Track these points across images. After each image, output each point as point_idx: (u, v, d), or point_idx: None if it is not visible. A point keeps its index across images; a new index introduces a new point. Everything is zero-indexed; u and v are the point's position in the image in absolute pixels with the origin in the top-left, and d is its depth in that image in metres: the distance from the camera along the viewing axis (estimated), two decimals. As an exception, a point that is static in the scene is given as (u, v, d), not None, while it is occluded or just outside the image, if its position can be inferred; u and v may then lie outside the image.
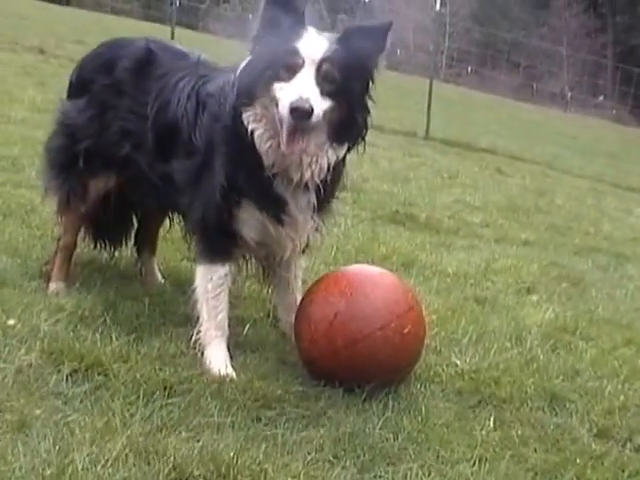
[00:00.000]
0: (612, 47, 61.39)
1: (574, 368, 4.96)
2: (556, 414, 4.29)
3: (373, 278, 4.29)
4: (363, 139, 4.03)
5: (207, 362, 4.17)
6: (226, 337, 4.28)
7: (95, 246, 5.52)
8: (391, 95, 29.63)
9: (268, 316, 5.03)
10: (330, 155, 3.92)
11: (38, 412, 3.56)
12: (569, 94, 55.73)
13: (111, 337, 4.35)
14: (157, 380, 3.97)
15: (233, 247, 4.22)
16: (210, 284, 4.20)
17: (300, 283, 4.72)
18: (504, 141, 20.98)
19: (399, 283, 4.36)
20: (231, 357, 4.30)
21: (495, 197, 11.42)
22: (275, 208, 4.05)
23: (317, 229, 4.37)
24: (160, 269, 5.59)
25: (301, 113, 3.65)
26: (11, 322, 4.38)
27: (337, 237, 7.28)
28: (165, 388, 3.93)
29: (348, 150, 4.05)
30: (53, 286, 5.13)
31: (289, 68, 3.77)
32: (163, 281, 5.51)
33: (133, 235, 5.57)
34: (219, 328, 4.24)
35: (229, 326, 4.50)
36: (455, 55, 61.09)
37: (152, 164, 4.67)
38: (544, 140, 25.84)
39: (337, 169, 4.07)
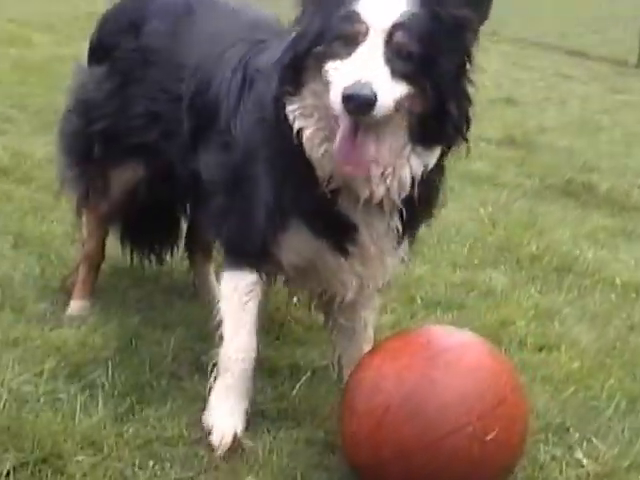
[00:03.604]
0: None
1: None
2: None
3: (449, 353, 3.09)
4: (464, 139, 3.10)
5: (211, 405, 3.42)
6: (250, 365, 3.43)
7: (137, 255, 4.60)
8: (602, 10, 27.22)
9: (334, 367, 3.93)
10: (414, 164, 3.03)
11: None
12: None
13: (88, 412, 3.41)
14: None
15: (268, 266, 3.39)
16: (236, 292, 3.38)
17: (371, 332, 3.68)
18: None
19: (490, 360, 3.15)
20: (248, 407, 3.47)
21: None
22: (338, 234, 3.17)
23: (402, 260, 3.41)
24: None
25: (358, 103, 2.77)
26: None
27: (481, 222, 6.06)
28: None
29: (442, 156, 3.12)
30: (73, 305, 4.28)
31: (347, 40, 2.89)
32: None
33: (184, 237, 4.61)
34: (241, 350, 3.39)
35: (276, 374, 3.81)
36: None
37: (185, 159, 3.73)
38: None
39: (429, 182, 3.14)
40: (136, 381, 3.69)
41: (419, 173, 3.02)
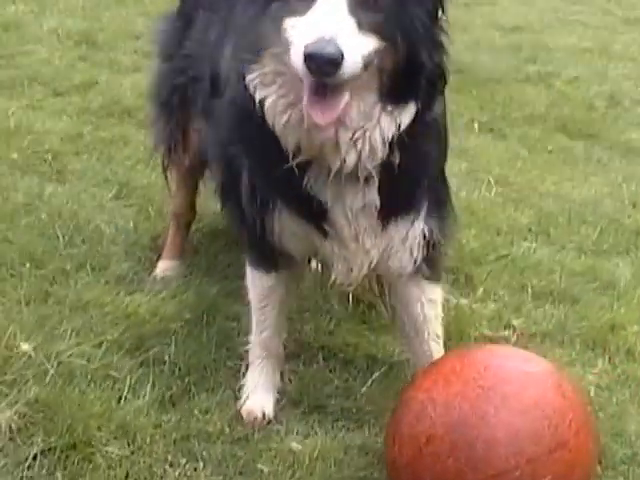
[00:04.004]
0: None
1: None
2: None
3: (509, 385, 2.70)
4: (439, 91, 2.77)
5: (244, 388, 3.32)
6: (274, 362, 3.35)
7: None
8: None
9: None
10: (385, 124, 2.66)
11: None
12: None
13: (136, 393, 3.22)
14: None
15: (277, 256, 3.12)
16: (256, 291, 3.26)
17: (437, 327, 3.29)
18: None
19: (556, 396, 2.72)
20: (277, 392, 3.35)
21: None
22: (312, 213, 2.86)
23: (427, 237, 2.99)
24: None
25: (322, 62, 2.40)
26: (25, 347, 3.34)
27: (621, 201, 5.44)
28: None
29: (419, 112, 2.70)
30: (160, 266, 4.11)
31: None
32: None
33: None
34: (264, 348, 3.31)
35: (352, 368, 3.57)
36: None
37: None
38: None
39: (413, 146, 2.74)
40: (199, 360, 3.49)
41: (391, 134, 2.65)
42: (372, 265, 2.97)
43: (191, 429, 3.10)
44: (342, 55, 2.38)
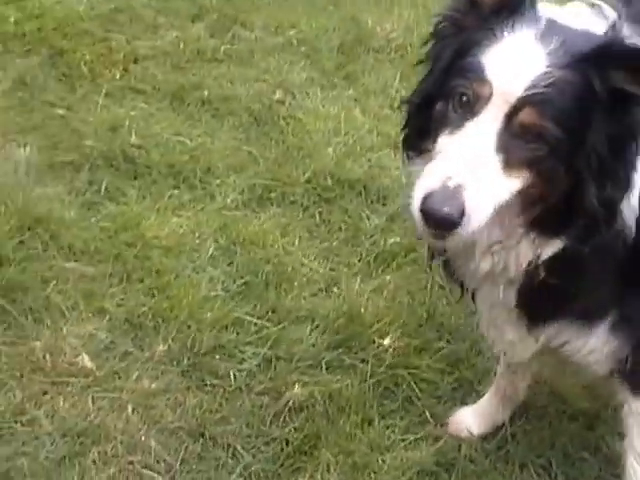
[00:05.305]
0: None
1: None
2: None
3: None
4: (601, 233, 2.30)
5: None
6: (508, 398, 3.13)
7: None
8: None
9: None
10: (523, 250, 2.38)
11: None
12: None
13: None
14: None
15: None
16: None
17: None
18: None
19: None
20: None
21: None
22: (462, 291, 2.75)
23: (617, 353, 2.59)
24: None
25: (435, 221, 2.13)
26: (386, 342, 3.31)
27: None
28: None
29: (570, 246, 2.33)
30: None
31: (463, 102, 2.18)
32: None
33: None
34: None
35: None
36: None
37: None
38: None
39: (565, 269, 2.40)
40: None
41: (526, 261, 2.35)
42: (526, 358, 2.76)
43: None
44: (461, 214, 2.05)
